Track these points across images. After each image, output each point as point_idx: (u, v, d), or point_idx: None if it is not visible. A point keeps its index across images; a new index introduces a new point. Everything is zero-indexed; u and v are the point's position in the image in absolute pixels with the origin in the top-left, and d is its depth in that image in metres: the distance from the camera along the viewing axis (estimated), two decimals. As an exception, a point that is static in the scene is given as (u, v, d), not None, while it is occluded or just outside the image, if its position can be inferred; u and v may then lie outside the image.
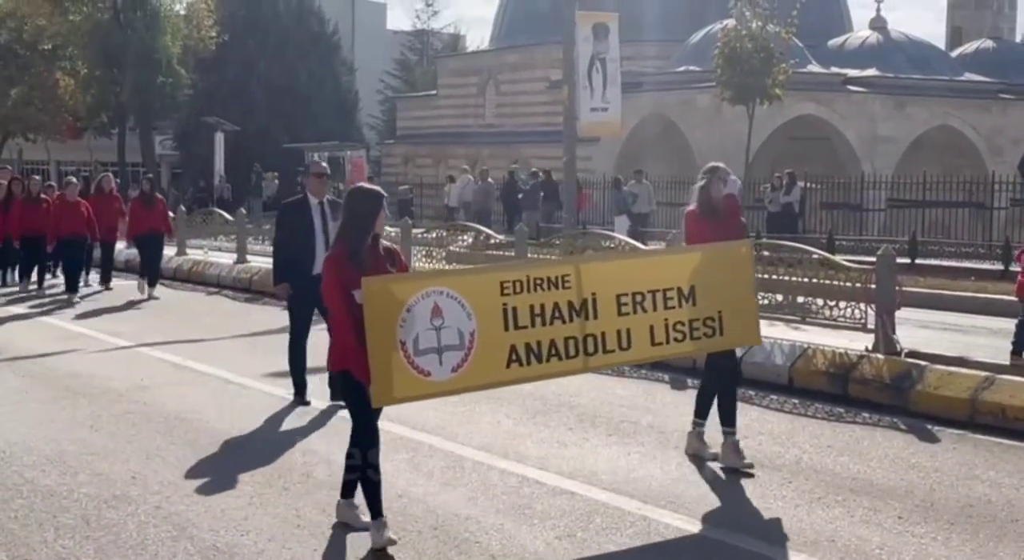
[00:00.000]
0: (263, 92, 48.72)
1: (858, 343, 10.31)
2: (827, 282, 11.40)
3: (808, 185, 28.11)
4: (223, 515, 6.56)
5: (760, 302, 12.69)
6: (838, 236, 24.16)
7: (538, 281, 6.28)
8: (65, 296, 17.23)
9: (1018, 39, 51.23)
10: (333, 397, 9.14)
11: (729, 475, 7.46)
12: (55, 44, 44.65)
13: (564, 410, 9.33)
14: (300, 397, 9.67)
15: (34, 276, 18.65)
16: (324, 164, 9.85)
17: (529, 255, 15.61)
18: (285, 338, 13.88)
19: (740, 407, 9.75)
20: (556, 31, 25.83)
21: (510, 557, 5.94)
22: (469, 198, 31.28)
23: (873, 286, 10.53)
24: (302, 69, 50.39)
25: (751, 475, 7.38)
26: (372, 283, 5.71)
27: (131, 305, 16.96)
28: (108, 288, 18.82)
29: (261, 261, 20.65)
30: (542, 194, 28.83)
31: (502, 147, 43.34)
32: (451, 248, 18.13)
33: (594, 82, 19.94)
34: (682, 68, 38.13)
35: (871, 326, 10.43)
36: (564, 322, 6.35)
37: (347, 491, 6.35)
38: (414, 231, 18.78)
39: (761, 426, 8.87)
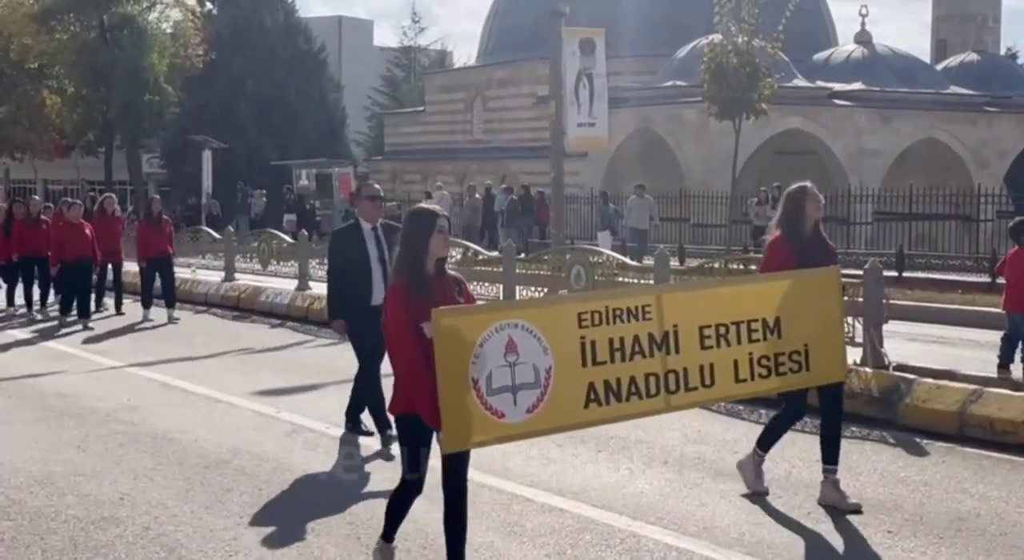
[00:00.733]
0: (250, 110, 48.77)
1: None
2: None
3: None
4: (212, 536, 6.54)
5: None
6: (826, 250, 24.21)
7: (617, 312, 5.76)
8: (79, 324, 16.49)
9: (1003, 52, 51.53)
10: (387, 440, 8.55)
11: (718, 490, 7.46)
12: (42, 63, 44.60)
13: (553, 426, 9.31)
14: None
15: (29, 297, 18.13)
16: (378, 186, 9.16)
17: (518, 271, 15.60)
18: (274, 356, 13.88)
19: (727, 422, 9.78)
20: (543, 47, 25.89)
21: (500, 575, 5.93)
22: (445, 214, 31.53)
23: (860, 299, 10.55)
24: (289, 86, 50.48)
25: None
26: (444, 315, 5.14)
27: (126, 326, 16.86)
28: (121, 313, 18.02)
29: (249, 279, 20.65)
30: (519, 209, 29.27)
31: (490, 163, 43.39)
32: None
33: (581, 97, 19.98)
34: (669, 83, 38.25)
35: (859, 340, 10.44)
36: (645, 357, 5.85)
37: (389, 535, 5.92)
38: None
39: (750, 441, 8.84)
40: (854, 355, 10.27)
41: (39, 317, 17.72)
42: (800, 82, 38.11)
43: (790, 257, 6.95)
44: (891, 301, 10.96)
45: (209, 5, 52.22)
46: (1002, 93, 40.41)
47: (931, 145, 38.63)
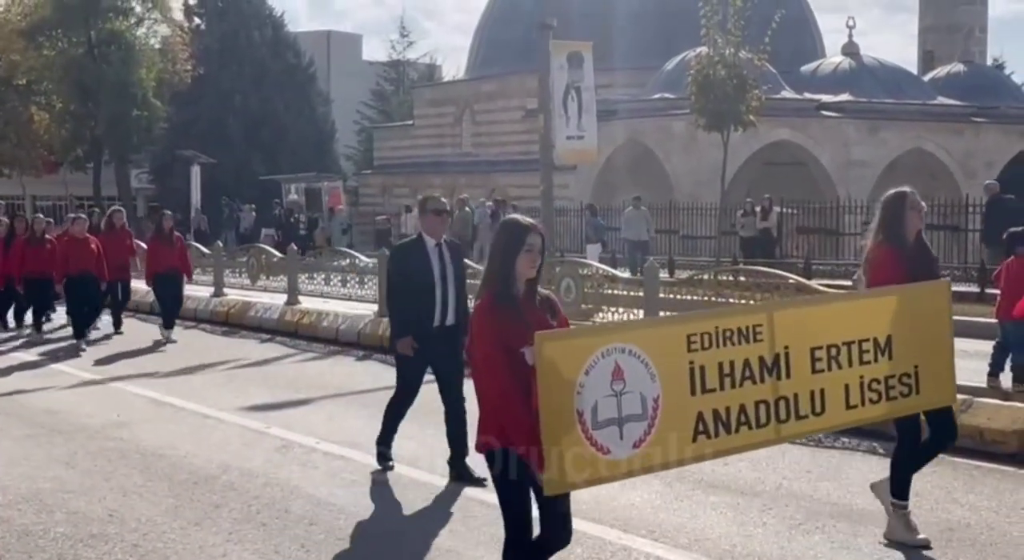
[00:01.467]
0: (239, 124, 48.80)
1: (836, 368, 10.31)
2: (804, 307, 11.40)
3: (784, 210, 28.28)
4: (201, 552, 6.51)
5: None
6: (815, 261, 24.29)
7: (728, 333, 5.24)
8: (73, 342, 15.91)
9: (989, 63, 51.72)
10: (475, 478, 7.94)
11: (709, 503, 7.45)
12: (30, 79, 44.61)
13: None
14: (385, 458, 8.50)
15: (29, 319, 17.48)
16: (444, 199, 8.58)
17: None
18: (264, 371, 13.84)
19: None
20: (531, 60, 25.93)
21: (491, 590, 5.90)
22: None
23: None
24: (278, 101, 50.55)
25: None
26: (548, 340, 4.61)
27: (115, 342, 16.82)
28: (119, 332, 17.51)
29: (238, 294, 20.61)
30: (490, 223, 29.61)
31: (479, 176, 43.41)
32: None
33: (569, 110, 20.01)
34: (657, 95, 38.32)
35: (848, 350, 10.43)
36: (755, 383, 5.31)
37: None
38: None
39: (740, 453, 8.86)
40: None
41: (32, 336, 17.08)
42: (788, 94, 38.21)
43: (899, 269, 6.41)
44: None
45: (197, 20, 52.35)
46: (989, 104, 40.55)
47: (919, 156, 38.74)
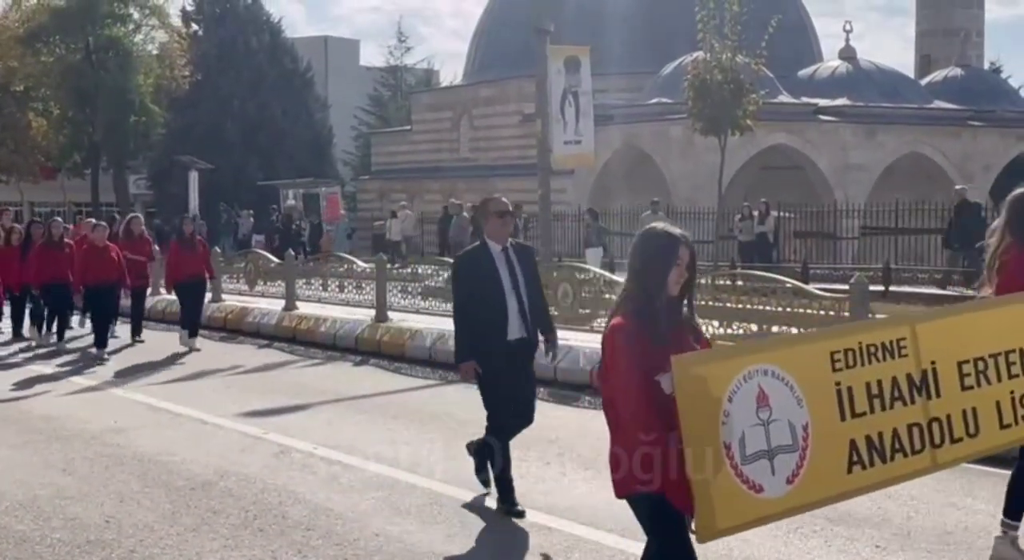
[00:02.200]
0: (237, 130, 48.83)
1: (833, 372, 10.31)
2: (801, 311, 11.44)
3: (782, 214, 28.31)
4: (198, 558, 6.50)
5: (734, 331, 12.79)
6: (812, 264, 24.32)
7: (872, 349, 4.69)
8: (94, 352, 15.49)
9: (986, 66, 51.81)
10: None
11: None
12: (27, 85, 44.65)
13: (542, 444, 9.30)
14: (510, 504, 7.39)
15: (53, 328, 16.75)
16: (506, 200, 7.75)
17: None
18: (261, 377, 13.82)
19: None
20: (528, 65, 25.92)
21: (488, 595, 5.90)
22: (410, 232, 34.45)
23: (847, 314, 10.57)
24: (276, 107, 50.58)
25: None
26: (687, 365, 4.09)
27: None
28: (140, 341, 17.11)
29: (236, 300, 20.61)
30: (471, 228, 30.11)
31: (477, 181, 43.41)
32: (427, 283, 18.14)
33: (567, 115, 19.98)
34: (654, 100, 38.35)
35: (846, 354, 10.43)
36: (905, 404, 4.76)
37: None
38: (388, 266, 18.77)
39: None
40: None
41: (55, 347, 16.39)
42: (785, 98, 38.24)
43: None
44: (877, 316, 10.98)
45: (195, 26, 52.40)
46: (986, 107, 40.59)
47: (916, 160, 38.78)
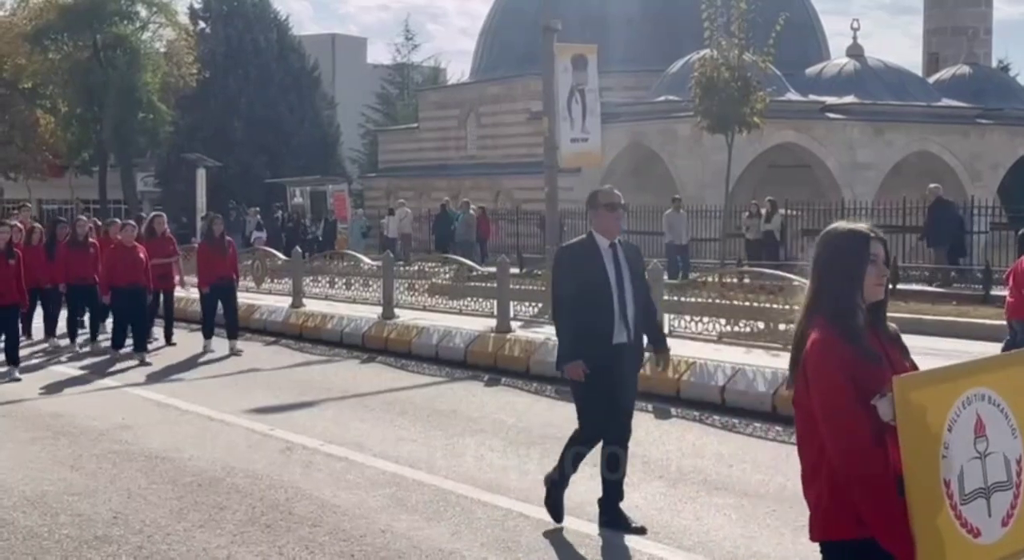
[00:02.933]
0: (244, 128, 48.90)
1: (840, 369, 10.29)
2: (808, 309, 11.40)
3: (789, 212, 28.27)
4: (205, 554, 6.51)
5: (742, 330, 12.79)
6: (820, 263, 24.23)
7: None
8: (135, 360, 14.64)
9: (994, 64, 51.68)
10: None
11: (714, 504, 7.45)
12: (35, 83, 44.67)
13: (548, 442, 9.30)
14: (558, 511, 7.04)
15: (74, 328, 16.11)
16: (618, 192, 7.19)
17: (512, 286, 15.60)
18: (268, 374, 13.83)
19: (722, 435, 9.76)
20: (536, 63, 25.92)
21: (494, 591, 5.90)
22: (407, 230, 34.90)
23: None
24: (283, 104, 50.63)
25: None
26: (910, 387, 3.48)
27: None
28: (172, 344, 16.47)
29: (244, 297, 20.60)
30: (454, 226, 30.71)
31: (484, 179, 43.45)
32: (434, 280, 18.15)
33: (574, 113, 19.96)
34: (661, 98, 38.31)
35: (853, 352, 10.41)
36: None
37: None
38: (395, 263, 18.79)
39: (745, 454, 8.86)
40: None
41: (83, 349, 15.86)
42: (793, 96, 38.18)
43: None
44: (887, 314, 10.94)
45: (202, 24, 52.46)
46: (994, 105, 40.51)
47: (924, 158, 38.70)
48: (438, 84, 63.15)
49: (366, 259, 19.87)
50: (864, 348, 3.60)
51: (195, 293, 16.91)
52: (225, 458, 8.89)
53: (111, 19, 42.78)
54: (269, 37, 52.31)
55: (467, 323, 15.25)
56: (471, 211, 32.02)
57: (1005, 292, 11.64)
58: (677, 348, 10.70)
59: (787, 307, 11.64)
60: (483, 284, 16.78)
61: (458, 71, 78.85)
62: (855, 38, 42.63)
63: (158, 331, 16.83)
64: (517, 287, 16.04)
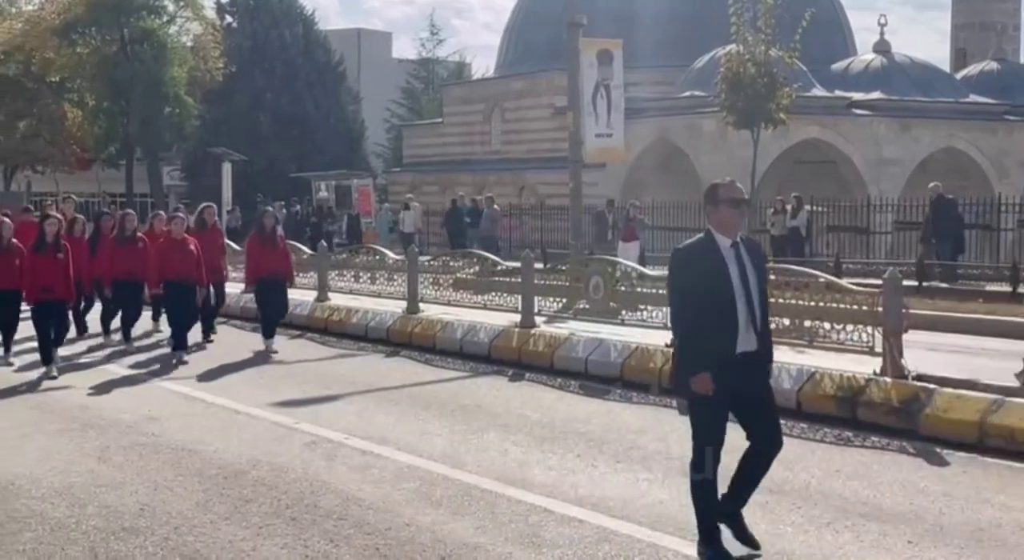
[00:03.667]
0: (270, 122, 49.10)
1: (866, 367, 10.29)
2: (834, 305, 11.37)
3: (815, 208, 28.15)
4: (231, 546, 6.55)
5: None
6: (845, 259, 24.15)
7: None
8: (173, 357, 14.12)
9: (1022, 61, 51.32)
10: None
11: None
12: (63, 76, 44.98)
13: (572, 437, 9.32)
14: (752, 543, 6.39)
15: (128, 324, 15.28)
16: (740, 185, 6.49)
17: (536, 282, 15.59)
18: (293, 367, 13.88)
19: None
20: (561, 58, 25.90)
21: (519, 586, 5.91)
22: (422, 225, 35.47)
23: (880, 309, 10.51)
24: (309, 99, 50.81)
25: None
26: None
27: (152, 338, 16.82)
28: (210, 341, 16.00)
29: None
30: (468, 221, 31.25)
31: (508, 174, 43.47)
32: (458, 275, 18.16)
33: (599, 108, 19.93)
34: (687, 93, 38.25)
35: (878, 349, 10.40)
36: None
37: None
38: (420, 258, 18.82)
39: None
40: (874, 365, 10.24)
41: (126, 346, 15.13)
42: (819, 92, 38.05)
43: None
44: (911, 311, 10.92)
45: (229, 18, 52.73)
46: (1022, 102, 40.24)
47: (951, 154, 38.49)
48: (463, 79, 63.19)
49: (391, 254, 19.89)
50: None
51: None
52: (250, 451, 8.93)
53: (138, 13, 43.02)
54: (295, 32, 52.50)
55: (491, 318, 15.25)
56: (496, 206, 32.03)
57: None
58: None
59: (813, 304, 11.59)
60: (507, 279, 16.78)
61: (483, 66, 79.02)
62: (882, 34, 42.48)
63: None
64: (541, 282, 16.03)
